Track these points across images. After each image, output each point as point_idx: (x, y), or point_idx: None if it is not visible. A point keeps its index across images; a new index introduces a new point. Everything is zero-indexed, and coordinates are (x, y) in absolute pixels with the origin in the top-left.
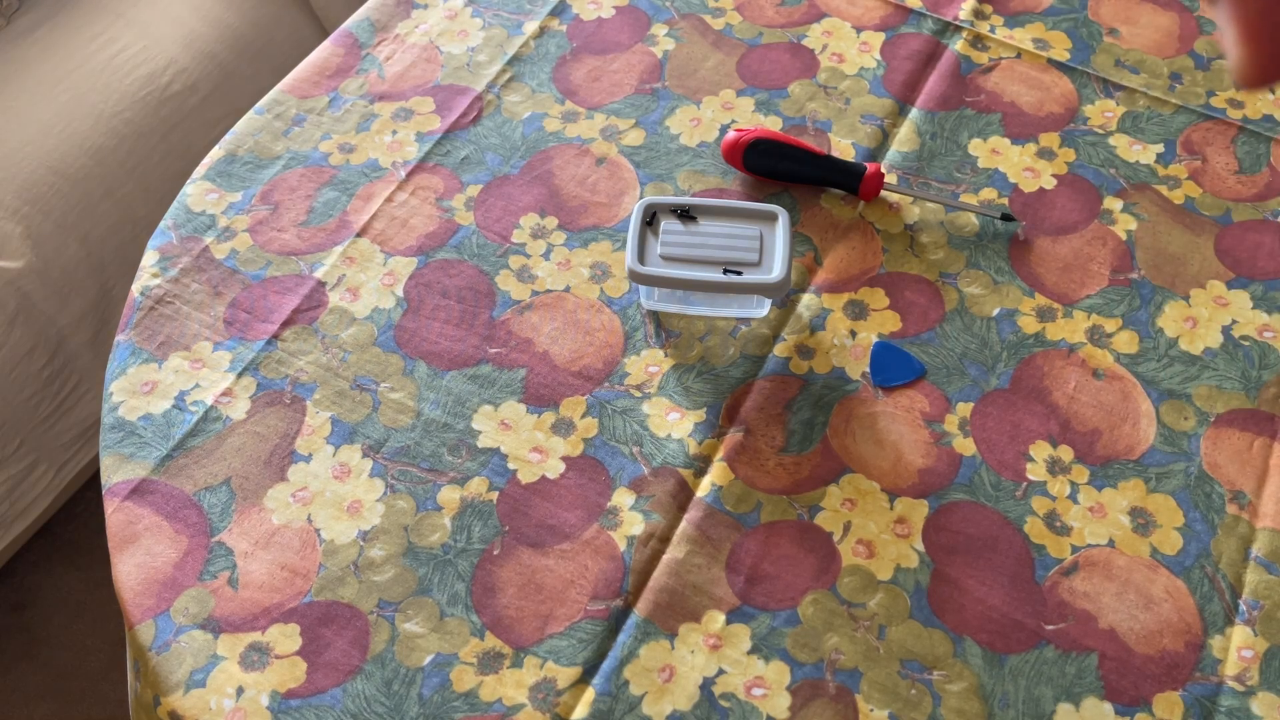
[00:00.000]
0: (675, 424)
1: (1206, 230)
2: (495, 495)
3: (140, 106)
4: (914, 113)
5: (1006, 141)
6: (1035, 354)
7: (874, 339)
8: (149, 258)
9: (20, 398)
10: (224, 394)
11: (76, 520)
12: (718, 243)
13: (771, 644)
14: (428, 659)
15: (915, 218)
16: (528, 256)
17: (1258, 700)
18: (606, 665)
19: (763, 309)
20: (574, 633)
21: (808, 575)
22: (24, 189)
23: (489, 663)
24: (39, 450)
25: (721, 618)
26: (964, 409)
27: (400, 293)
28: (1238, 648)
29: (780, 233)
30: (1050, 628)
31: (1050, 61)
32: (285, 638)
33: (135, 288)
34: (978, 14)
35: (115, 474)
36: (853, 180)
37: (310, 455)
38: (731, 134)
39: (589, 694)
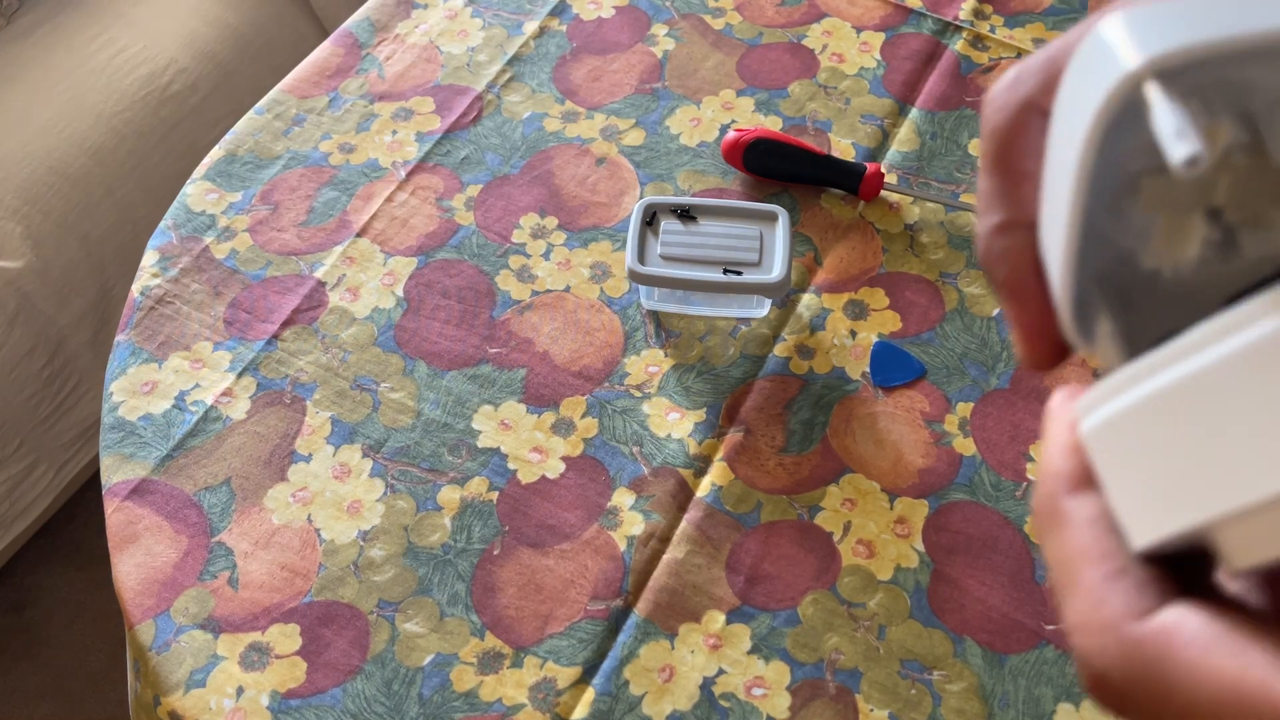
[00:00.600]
0: (675, 424)
1: None
2: (495, 495)
3: (140, 106)
4: (914, 113)
5: None
6: None
7: (874, 339)
8: (149, 258)
9: (20, 398)
10: (224, 394)
11: (76, 520)
12: (718, 243)
13: (771, 644)
14: (428, 659)
15: (915, 218)
16: (528, 256)
17: None
18: (606, 665)
19: (763, 309)
20: (574, 633)
21: (808, 575)
22: (24, 189)
23: (489, 663)
24: (39, 450)
25: (721, 618)
26: (964, 409)
27: (400, 293)
28: None
29: (780, 233)
30: (1050, 628)
31: None
32: (285, 638)
33: (135, 288)
34: (978, 14)
35: (115, 474)
36: (853, 180)
37: (310, 455)
38: (731, 134)
39: (589, 694)
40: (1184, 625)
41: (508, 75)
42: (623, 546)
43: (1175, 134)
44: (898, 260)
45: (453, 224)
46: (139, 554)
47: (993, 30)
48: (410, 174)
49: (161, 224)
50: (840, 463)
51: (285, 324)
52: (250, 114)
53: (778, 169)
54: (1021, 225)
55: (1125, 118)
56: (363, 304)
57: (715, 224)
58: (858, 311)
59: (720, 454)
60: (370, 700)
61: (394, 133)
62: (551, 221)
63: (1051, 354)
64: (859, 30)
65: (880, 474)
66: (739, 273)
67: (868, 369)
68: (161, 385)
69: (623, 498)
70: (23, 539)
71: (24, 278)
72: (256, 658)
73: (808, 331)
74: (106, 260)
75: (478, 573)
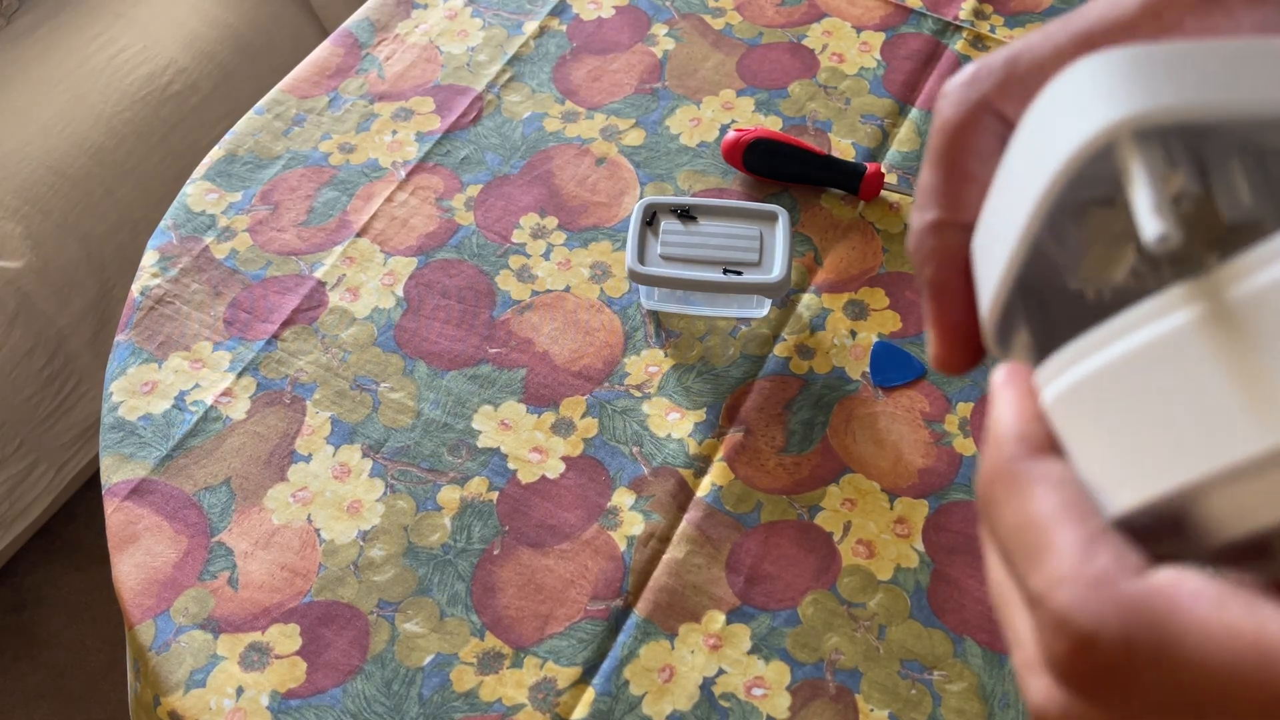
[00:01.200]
0: (675, 424)
1: None
2: (495, 495)
3: (140, 106)
4: (914, 113)
5: None
6: None
7: (874, 339)
8: (149, 258)
9: (20, 398)
10: (224, 394)
11: (76, 520)
12: (718, 243)
13: (771, 644)
14: (428, 659)
15: None
16: (528, 256)
17: None
18: (606, 665)
19: (763, 309)
20: (574, 633)
21: (808, 575)
22: (24, 189)
23: (489, 663)
24: (39, 450)
25: (721, 618)
26: (964, 409)
27: (400, 293)
28: None
29: (780, 233)
30: None
31: None
32: (285, 638)
33: (135, 288)
34: (978, 14)
35: (115, 474)
36: (853, 180)
37: (310, 455)
38: (731, 134)
39: (589, 694)
40: (1185, 582)
41: (508, 75)
42: (623, 546)
43: (1152, 210)
44: (898, 260)
45: (453, 224)
46: (139, 554)
47: (993, 30)
48: (410, 174)
49: (161, 224)
50: (840, 463)
51: (285, 324)
52: (250, 114)
53: (778, 169)
54: (956, 226)
55: (1093, 162)
56: (363, 304)
57: (715, 224)
58: (858, 311)
59: (720, 454)
60: (370, 700)
61: (394, 133)
62: (551, 221)
63: (965, 358)
64: (859, 30)
65: (880, 474)
66: (739, 273)
67: (868, 369)
68: (161, 385)
69: (623, 498)
70: (22, 539)
71: (24, 278)
72: (256, 658)
73: (808, 331)
74: (106, 260)
75: (478, 573)
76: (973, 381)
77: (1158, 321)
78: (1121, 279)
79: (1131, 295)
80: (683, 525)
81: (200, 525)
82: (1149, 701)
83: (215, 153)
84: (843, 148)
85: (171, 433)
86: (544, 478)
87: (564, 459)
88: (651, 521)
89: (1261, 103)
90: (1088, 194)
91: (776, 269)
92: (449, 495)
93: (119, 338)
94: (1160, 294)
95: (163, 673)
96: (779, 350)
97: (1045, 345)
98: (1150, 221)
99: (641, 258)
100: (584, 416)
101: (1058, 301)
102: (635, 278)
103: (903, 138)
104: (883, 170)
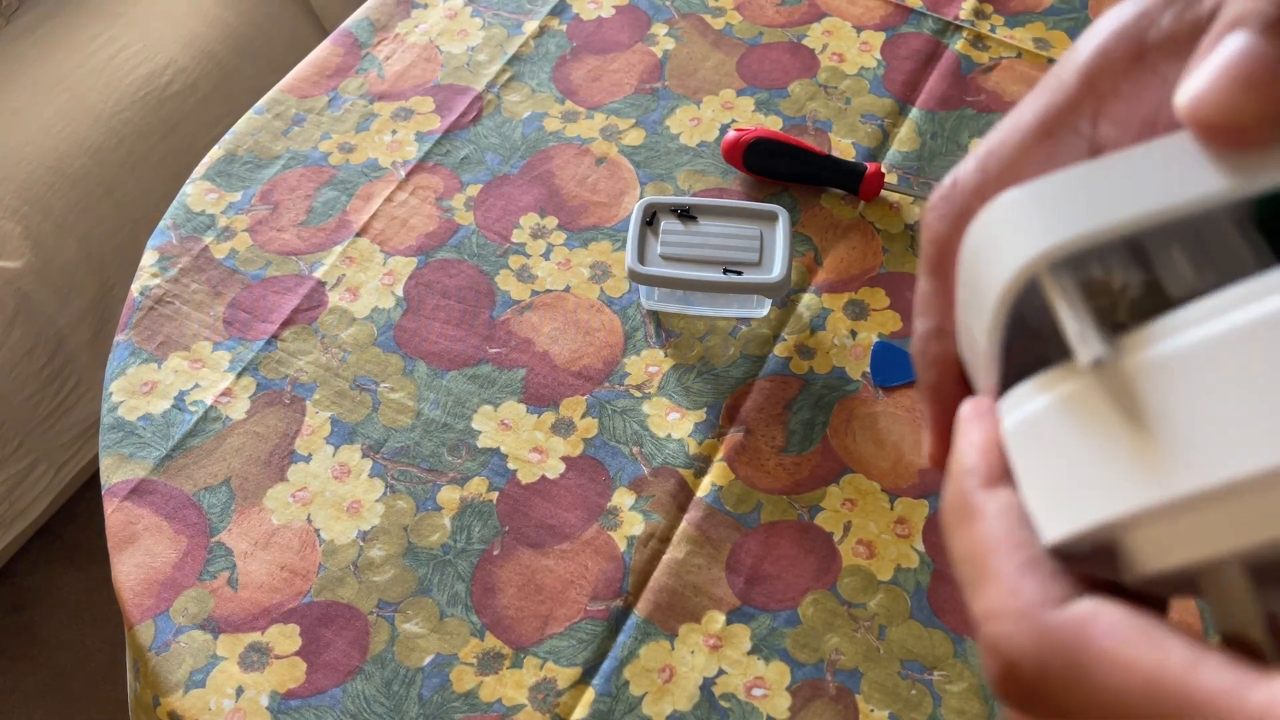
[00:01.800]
0: (675, 424)
1: None
2: (495, 495)
3: (140, 106)
4: (914, 112)
5: None
6: None
7: (874, 339)
8: (148, 257)
9: (20, 398)
10: (224, 394)
11: (76, 520)
12: (718, 243)
13: (772, 644)
14: (427, 659)
15: (916, 217)
16: (528, 256)
17: None
18: (606, 665)
19: (763, 309)
20: (574, 633)
21: (808, 575)
22: (24, 189)
23: (489, 663)
24: (38, 450)
25: (721, 618)
26: None
27: (400, 293)
28: None
29: (780, 233)
30: None
31: (1051, 61)
32: (285, 638)
33: (135, 288)
34: (978, 13)
35: (115, 474)
36: (853, 180)
37: (310, 455)
38: (731, 134)
39: (589, 694)
40: (1101, 615)
41: (508, 75)
42: (623, 547)
43: (1077, 337)
44: (898, 260)
45: (452, 224)
46: (139, 554)
47: (993, 30)
48: (410, 174)
49: (161, 224)
50: (840, 463)
51: (285, 324)
52: (250, 114)
53: (778, 169)
54: (951, 333)
55: (1028, 290)
56: (362, 304)
57: (715, 224)
58: (858, 311)
59: (720, 454)
60: (370, 701)
61: (394, 132)
62: (551, 221)
63: None
64: (859, 30)
65: (880, 474)
66: (739, 273)
67: (868, 369)
68: (161, 385)
69: (623, 498)
70: (22, 539)
71: (24, 277)
72: (256, 658)
73: (808, 331)
74: (106, 260)
75: (477, 573)
76: None
77: (1076, 379)
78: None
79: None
80: (683, 525)
81: (200, 525)
82: (1062, 717)
83: (215, 152)
84: (843, 147)
85: (171, 433)
86: (544, 478)
87: (564, 459)
88: (651, 522)
89: (1159, 208)
90: (1042, 317)
91: (776, 269)
92: (449, 495)
93: (119, 338)
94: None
95: (162, 673)
96: (779, 350)
97: None
98: (1081, 348)
99: (641, 258)
100: (584, 416)
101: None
102: (635, 278)
103: (903, 137)
104: (883, 170)
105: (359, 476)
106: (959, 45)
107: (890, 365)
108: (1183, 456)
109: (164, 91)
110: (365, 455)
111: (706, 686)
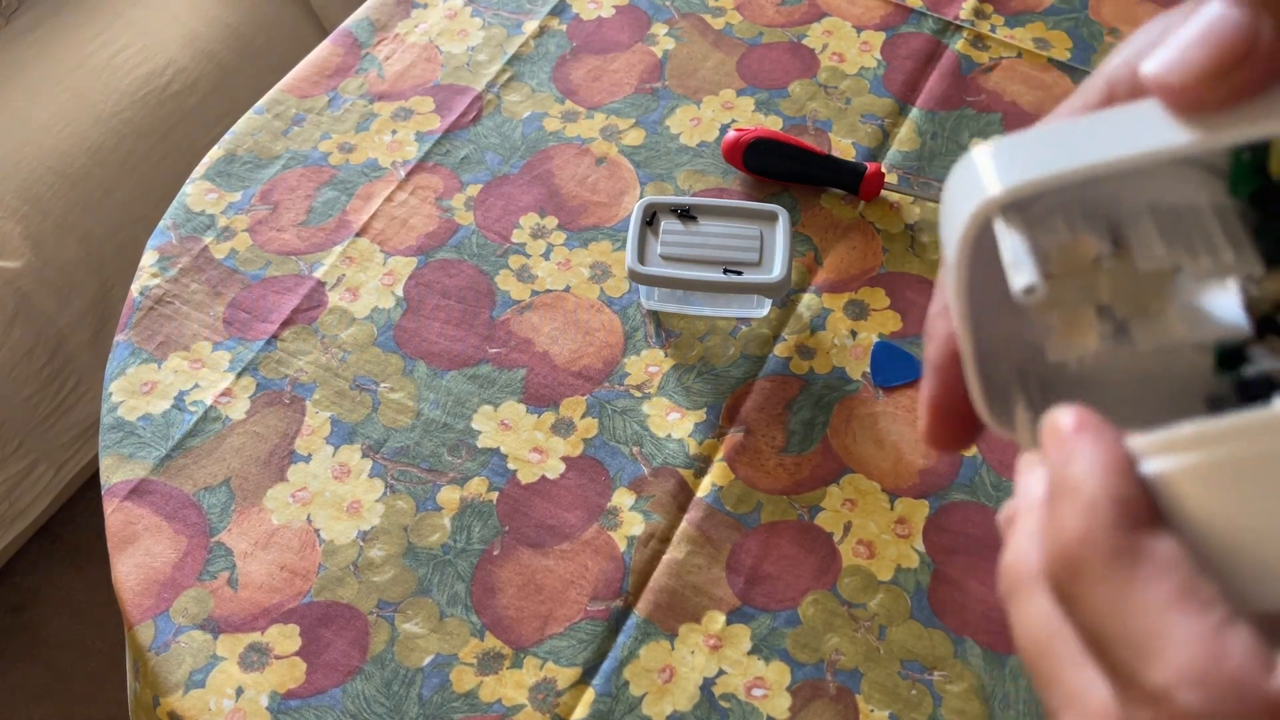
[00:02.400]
0: (675, 424)
1: None
2: (495, 495)
3: (140, 106)
4: (914, 112)
5: None
6: None
7: (874, 339)
8: (148, 257)
9: (20, 397)
10: (223, 394)
11: (76, 520)
12: (718, 243)
13: (772, 644)
14: (427, 659)
15: (916, 217)
16: (528, 256)
17: None
18: (606, 666)
19: (763, 309)
20: (574, 633)
21: (808, 575)
22: (24, 189)
23: (489, 663)
24: (38, 450)
25: (722, 618)
26: None
27: (400, 293)
28: None
29: (780, 233)
30: None
31: (1051, 61)
32: (285, 638)
33: (135, 287)
34: (978, 13)
35: (115, 474)
36: (853, 180)
37: (310, 455)
38: (732, 134)
39: (589, 694)
40: None
41: (507, 75)
42: (623, 547)
43: (1012, 265)
44: (898, 260)
45: (452, 224)
46: (138, 554)
47: (993, 30)
48: (410, 174)
49: (161, 224)
50: (840, 463)
51: (285, 324)
52: (250, 114)
53: (778, 169)
54: None
55: (980, 241)
56: (362, 304)
57: (715, 224)
58: (858, 311)
59: (720, 454)
60: (370, 701)
61: (393, 132)
62: (551, 221)
63: (950, 435)
64: (859, 30)
65: (881, 474)
66: (739, 273)
67: (868, 369)
68: (161, 385)
69: (623, 498)
70: (22, 539)
71: (23, 277)
72: (256, 658)
73: (808, 331)
74: (106, 260)
75: (477, 573)
76: None
77: None
78: (1098, 345)
79: (1116, 359)
80: (683, 525)
81: (200, 525)
82: None
83: (215, 152)
84: (843, 147)
85: (171, 433)
86: (544, 478)
87: (564, 459)
88: (651, 522)
89: (1102, 160)
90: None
91: (776, 269)
92: (449, 495)
93: (118, 338)
94: None
95: (162, 673)
96: (779, 350)
97: None
98: (1013, 276)
99: (641, 258)
100: (584, 416)
101: (1053, 375)
102: (635, 278)
103: (903, 137)
104: (883, 170)
105: (359, 476)
106: (959, 45)
107: (890, 365)
108: None
109: (164, 91)
110: (365, 455)
111: (706, 687)
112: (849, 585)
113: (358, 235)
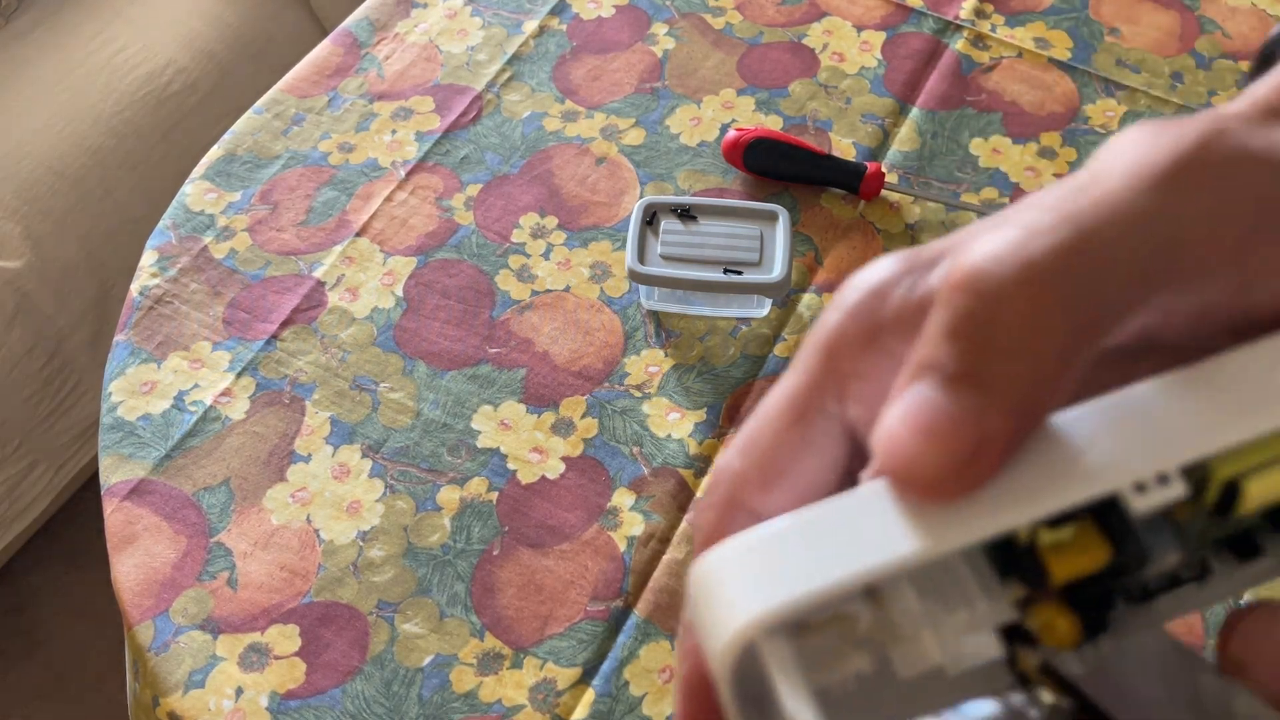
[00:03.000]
0: (675, 424)
1: None
2: (495, 495)
3: (140, 106)
4: (915, 112)
5: (1008, 141)
6: None
7: None
8: (148, 257)
9: (19, 398)
10: (223, 394)
11: (75, 521)
12: (718, 242)
13: None
14: (427, 660)
15: (916, 217)
16: (528, 256)
17: None
18: (606, 666)
19: (763, 309)
20: (574, 633)
21: None
22: (24, 189)
23: (489, 663)
24: (38, 450)
25: None
26: None
27: (400, 292)
28: None
29: (780, 232)
30: None
31: (1051, 61)
32: (284, 638)
33: (134, 287)
34: (979, 13)
35: (114, 474)
36: (853, 180)
37: (309, 455)
38: (732, 133)
39: (589, 695)
40: None
41: (507, 75)
42: (623, 547)
43: (793, 715)
44: None
45: (452, 224)
46: (138, 554)
47: (994, 30)
48: (410, 173)
49: (160, 224)
50: None
51: (284, 324)
52: (249, 113)
53: (778, 169)
54: None
55: (748, 652)
56: (362, 304)
57: (715, 224)
58: None
59: (720, 454)
60: (370, 701)
61: (393, 132)
62: (551, 221)
63: None
64: (859, 29)
65: None
66: (739, 272)
67: None
68: (160, 385)
69: (623, 498)
70: (22, 539)
71: (23, 278)
72: (255, 658)
73: (808, 331)
74: (106, 260)
75: (477, 573)
76: None
77: None
78: (856, 673)
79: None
80: (683, 526)
81: (199, 525)
82: None
83: (214, 152)
84: (843, 147)
85: (170, 433)
86: (544, 478)
87: (564, 459)
88: (652, 522)
89: (848, 575)
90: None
91: (777, 269)
92: (448, 495)
93: (118, 338)
94: None
95: (162, 673)
96: (779, 350)
97: None
98: (786, 701)
99: (641, 257)
100: (584, 416)
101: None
102: (635, 278)
103: (903, 137)
104: (883, 170)
105: (359, 477)
106: (959, 45)
107: None
108: None
109: (164, 91)
110: (365, 455)
111: None
112: None
113: (357, 235)
